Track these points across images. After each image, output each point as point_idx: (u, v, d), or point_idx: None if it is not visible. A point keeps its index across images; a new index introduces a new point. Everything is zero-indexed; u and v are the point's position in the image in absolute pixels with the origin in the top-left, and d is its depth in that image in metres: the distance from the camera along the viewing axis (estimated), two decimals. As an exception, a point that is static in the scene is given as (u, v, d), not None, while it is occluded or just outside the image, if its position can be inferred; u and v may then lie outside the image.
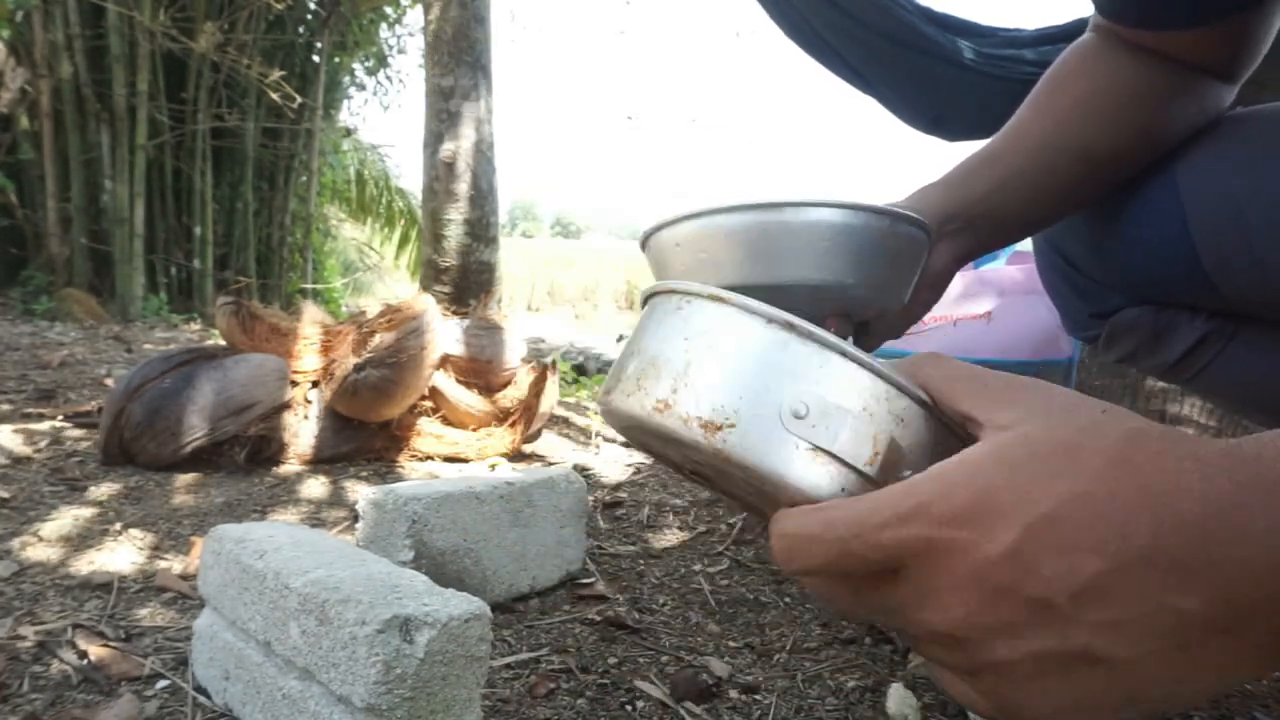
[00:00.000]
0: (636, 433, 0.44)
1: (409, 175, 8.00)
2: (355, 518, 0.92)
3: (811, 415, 0.37)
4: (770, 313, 0.39)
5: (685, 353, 0.40)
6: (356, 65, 6.12)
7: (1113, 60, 0.68)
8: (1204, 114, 0.68)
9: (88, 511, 1.11)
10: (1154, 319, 0.71)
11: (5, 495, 1.13)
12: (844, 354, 0.38)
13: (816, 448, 0.37)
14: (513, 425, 1.55)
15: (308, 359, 1.45)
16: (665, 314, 0.42)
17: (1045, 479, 0.32)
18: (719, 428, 0.38)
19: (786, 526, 0.37)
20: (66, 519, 1.07)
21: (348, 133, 6.29)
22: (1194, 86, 0.67)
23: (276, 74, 4.07)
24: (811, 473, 0.37)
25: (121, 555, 0.99)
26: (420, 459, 1.48)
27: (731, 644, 0.86)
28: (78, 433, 1.45)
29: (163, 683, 0.72)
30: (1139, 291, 0.71)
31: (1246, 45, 0.66)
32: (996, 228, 0.69)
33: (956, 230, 0.68)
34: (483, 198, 3.43)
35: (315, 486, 1.29)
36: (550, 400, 1.60)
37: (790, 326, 0.38)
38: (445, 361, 1.53)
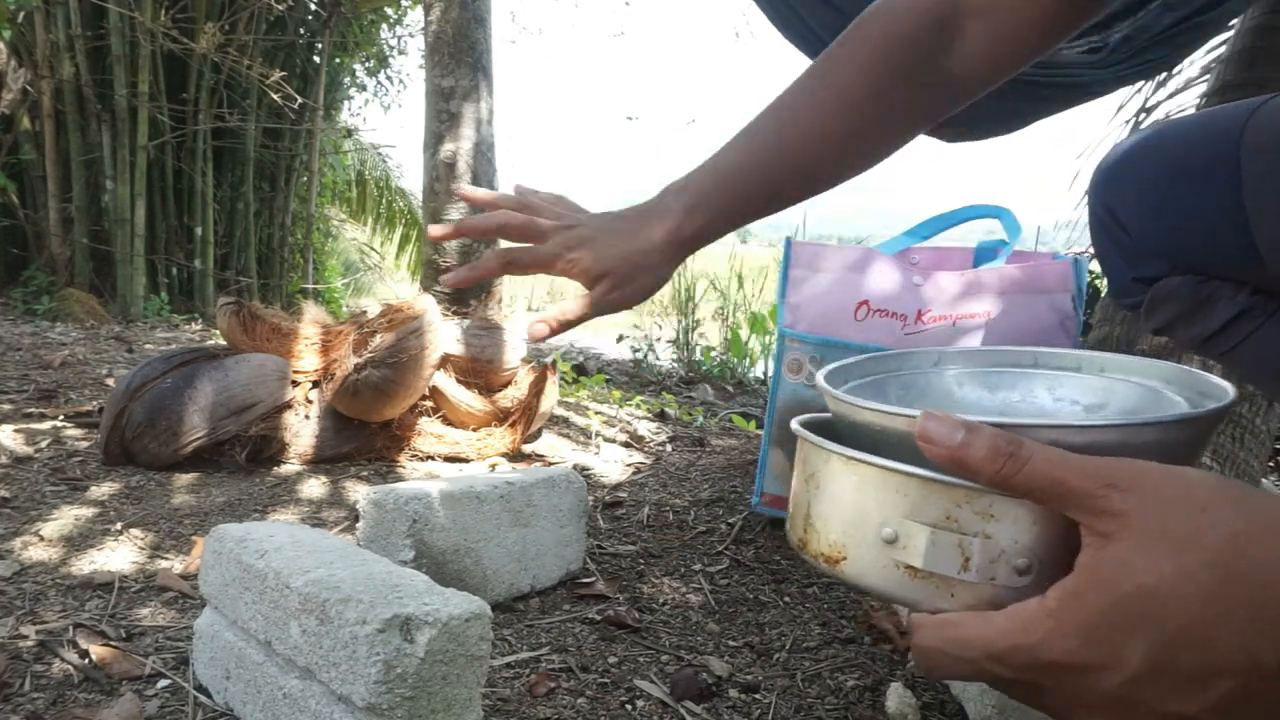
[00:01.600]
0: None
1: (410, 176, 8.02)
2: (356, 517, 0.92)
3: (900, 538, 0.41)
4: (845, 451, 0.44)
5: (806, 493, 0.47)
6: (357, 66, 6.13)
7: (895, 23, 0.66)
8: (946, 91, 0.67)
9: (89, 511, 1.11)
10: (1195, 289, 0.71)
11: (6, 495, 1.13)
12: (912, 475, 0.41)
13: (910, 566, 0.41)
14: (513, 425, 1.55)
15: (308, 359, 1.45)
16: (797, 450, 0.49)
17: (1157, 604, 0.34)
18: (837, 561, 0.44)
19: (922, 641, 0.40)
20: (67, 519, 1.07)
21: (348, 133, 6.29)
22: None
23: (277, 74, 4.07)
24: (915, 589, 0.41)
25: (122, 555, 0.99)
26: (420, 459, 1.48)
27: (731, 643, 0.86)
28: (79, 432, 1.45)
29: (164, 682, 0.72)
30: (1185, 260, 0.71)
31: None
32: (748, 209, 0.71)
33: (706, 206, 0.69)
34: (483, 198, 3.42)
35: (316, 486, 1.29)
36: (550, 400, 1.60)
37: (863, 462, 0.43)
38: (446, 361, 1.54)
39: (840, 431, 0.51)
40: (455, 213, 3.38)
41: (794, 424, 0.51)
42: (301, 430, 1.39)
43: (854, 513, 0.43)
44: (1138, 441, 0.41)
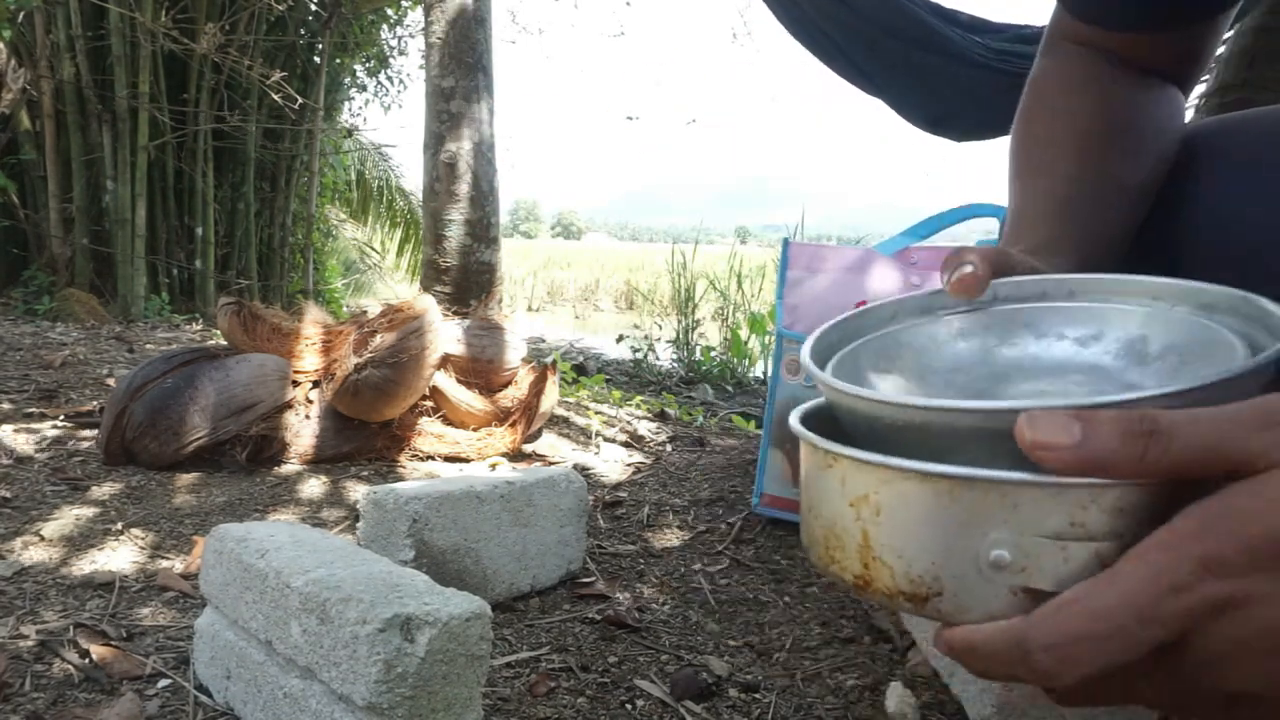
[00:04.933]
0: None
1: (410, 176, 8.02)
2: (356, 517, 0.92)
3: (1015, 560, 0.34)
4: (922, 467, 0.35)
5: (856, 521, 0.38)
6: (357, 66, 6.13)
7: (1116, 85, 0.68)
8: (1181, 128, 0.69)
9: (89, 511, 1.11)
10: None
11: (7, 495, 1.13)
12: (1024, 484, 0.33)
13: (1034, 590, 0.34)
14: (513, 425, 1.55)
15: (309, 359, 1.45)
16: (817, 469, 0.39)
17: None
18: (926, 598, 0.36)
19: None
20: (68, 519, 1.07)
21: (349, 133, 6.30)
22: (1177, 99, 0.68)
23: (277, 75, 4.07)
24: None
25: (123, 555, 0.99)
26: (421, 458, 1.48)
27: (731, 643, 0.86)
28: (79, 432, 1.45)
29: (164, 682, 0.72)
30: None
31: (1202, 55, 0.66)
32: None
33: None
34: (483, 198, 3.43)
35: (316, 486, 1.30)
36: (550, 400, 1.60)
37: (953, 478, 0.34)
38: (446, 361, 1.54)
39: (843, 422, 0.42)
40: (455, 212, 3.38)
41: (820, 441, 0.40)
42: (302, 430, 1.39)
43: (945, 539, 0.35)
44: (1237, 389, 0.35)
